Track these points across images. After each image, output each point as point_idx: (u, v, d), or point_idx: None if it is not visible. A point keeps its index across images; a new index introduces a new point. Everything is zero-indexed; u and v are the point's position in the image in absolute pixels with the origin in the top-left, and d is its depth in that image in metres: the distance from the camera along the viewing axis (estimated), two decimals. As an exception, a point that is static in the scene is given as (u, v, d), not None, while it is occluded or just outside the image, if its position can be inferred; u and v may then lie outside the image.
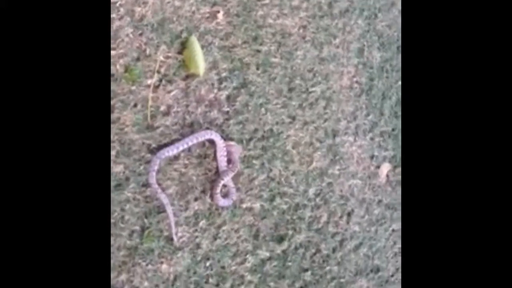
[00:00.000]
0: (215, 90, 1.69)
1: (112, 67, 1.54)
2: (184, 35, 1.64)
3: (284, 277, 1.78)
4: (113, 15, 1.53)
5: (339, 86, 1.89)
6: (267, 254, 1.76)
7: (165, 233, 1.64)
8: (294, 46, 1.82)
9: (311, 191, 1.83)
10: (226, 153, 1.69)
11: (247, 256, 1.73)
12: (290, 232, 1.79)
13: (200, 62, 1.64)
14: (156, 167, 1.60)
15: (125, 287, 1.57)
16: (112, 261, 1.54)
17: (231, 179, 1.71)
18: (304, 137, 1.82)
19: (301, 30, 1.83)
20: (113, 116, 1.55)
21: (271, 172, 1.77)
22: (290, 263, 1.79)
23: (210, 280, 1.67)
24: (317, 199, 1.84)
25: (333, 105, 1.86)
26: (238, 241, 1.73)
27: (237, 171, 1.71)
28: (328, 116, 1.86)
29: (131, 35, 1.57)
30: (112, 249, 1.54)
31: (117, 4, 1.55)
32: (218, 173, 1.70)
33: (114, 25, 1.55)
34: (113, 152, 1.56)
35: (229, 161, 1.70)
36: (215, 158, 1.70)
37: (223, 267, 1.69)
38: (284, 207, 1.79)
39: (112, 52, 1.54)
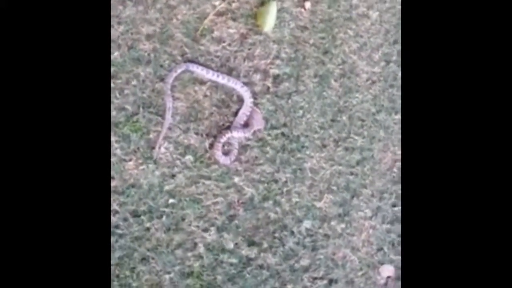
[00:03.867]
0: (268, 59, 1.88)
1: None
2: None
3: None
4: None
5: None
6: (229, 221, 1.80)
7: (150, 136, 1.71)
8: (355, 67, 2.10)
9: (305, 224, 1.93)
10: (248, 114, 1.80)
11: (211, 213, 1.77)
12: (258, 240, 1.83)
13: (269, 21, 1.86)
14: (179, 71, 1.72)
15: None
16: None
17: (237, 140, 1.80)
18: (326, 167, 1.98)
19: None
20: None
21: (278, 173, 1.87)
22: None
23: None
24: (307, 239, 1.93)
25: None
26: (210, 196, 1.77)
27: (246, 137, 1.82)
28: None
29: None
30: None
31: None
32: (229, 127, 1.79)
33: None
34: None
35: (246, 124, 1.81)
36: (235, 113, 1.81)
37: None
38: (271, 214, 1.84)
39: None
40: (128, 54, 1.68)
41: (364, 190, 1.98)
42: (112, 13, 1.67)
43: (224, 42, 1.80)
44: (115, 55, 1.65)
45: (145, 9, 1.70)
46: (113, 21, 1.65)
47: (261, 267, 1.81)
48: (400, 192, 2.02)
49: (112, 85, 1.65)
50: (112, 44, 1.65)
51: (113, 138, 1.65)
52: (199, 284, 1.73)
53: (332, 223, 1.92)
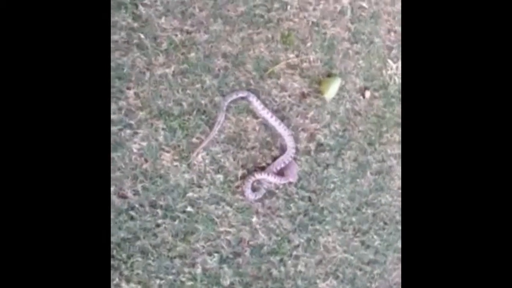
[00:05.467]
0: (318, 125, 2.29)
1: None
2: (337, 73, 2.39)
3: None
4: None
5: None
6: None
7: (193, 140, 2.05)
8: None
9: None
10: (287, 163, 2.17)
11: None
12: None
13: (331, 91, 2.31)
14: (240, 95, 2.12)
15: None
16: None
17: (268, 184, 2.14)
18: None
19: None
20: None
21: (293, 233, 2.17)
22: None
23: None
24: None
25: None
26: (225, 223, 2.06)
27: (277, 185, 2.16)
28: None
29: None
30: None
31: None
32: (264, 168, 2.14)
33: None
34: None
35: (280, 172, 2.16)
36: (274, 158, 2.17)
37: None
38: (274, 271, 2.11)
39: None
40: (203, 60, 2.10)
41: (368, 291, 2.23)
42: (203, 26, 2.12)
43: (285, 91, 2.24)
44: (192, 55, 2.07)
45: (231, 29, 2.16)
46: (201, 29, 2.09)
47: (247, 320, 2.01)
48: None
49: (178, 79, 2.05)
50: (193, 46, 2.08)
51: (160, 125, 2.00)
52: None
53: (330, 310, 2.14)
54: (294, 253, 2.18)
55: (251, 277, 2.09)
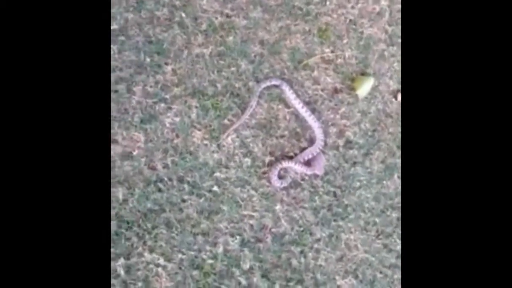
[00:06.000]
0: (348, 122, 2.30)
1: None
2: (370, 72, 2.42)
3: None
4: None
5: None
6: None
7: (225, 121, 2.12)
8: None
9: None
10: (314, 154, 2.19)
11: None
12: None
13: (364, 89, 2.34)
14: (273, 83, 2.18)
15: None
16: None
17: (295, 173, 2.16)
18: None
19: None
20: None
21: (316, 226, 2.18)
22: None
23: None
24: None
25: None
26: (249, 207, 2.09)
27: (304, 175, 2.18)
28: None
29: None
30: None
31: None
32: (292, 157, 2.17)
33: None
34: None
35: (307, 163, 2.18)
36: (302, 149, 2.20)
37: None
38: (294, 261, 2.11)
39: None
40: (240, 45, 2.16)
41: (388, 295, 2.22)
42: (243, 11, 2.19)
43: (318, 84, 2.28)
44: (230, 38, 2.13)
45: (270, 17, 2.22)
46: (240, 14, 2.16)
47: (264, 305, 2.05)
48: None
49: (215, 61, 2.11)
50: (232, 30, 2.16)
51: (194, 103, 2.05)
52: (202, 283, 1.96)
53: (346, 309, 2.14)
54: (316, 246, 2.17)
55: (271, 264, 2.09)
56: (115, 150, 2.02)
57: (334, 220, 2.22)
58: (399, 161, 2.39)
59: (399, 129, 2.41)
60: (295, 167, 2.15)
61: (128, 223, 1.98)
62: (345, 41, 2.34)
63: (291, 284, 2.09)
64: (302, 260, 2.14)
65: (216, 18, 2.14)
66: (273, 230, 2.11)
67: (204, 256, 2.00)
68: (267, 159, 2.15)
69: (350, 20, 2.36)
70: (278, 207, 2.13)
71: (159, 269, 1.98)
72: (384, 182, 2.34)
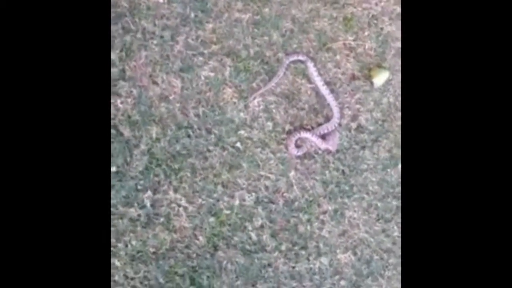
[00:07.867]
0: (362, 107, 2.52)
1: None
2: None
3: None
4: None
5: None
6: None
7: (253, 85, 2.34)
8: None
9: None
10: (330, 130, 2.39)
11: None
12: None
13: (381, 78, 2.56)
14: (300, 57, 2.41)
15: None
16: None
17: (310, 145, 2.37)
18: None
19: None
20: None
21: (324, 198, 2.39)
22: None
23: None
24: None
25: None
26: (266, 168, 2.30)
27: (319, 148, 2.38)
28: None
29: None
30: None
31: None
32: (309, 130, 2.38)
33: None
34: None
35: (323, 137, 2.38)
36: (318, 124, 2.42)
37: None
38: (300, 227, 2.32)
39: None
40: (274, 18, 2.38)
41: (382, 277, 2.41)
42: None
43: (339, 68, 2.48)
44: (266, 10, 2.36)
45: (300, -1, 2.46)
46: (275, -5, 2.43)
47: (268, 265, 2.21)
48: None
49: (250, 28, 2.35)
50: (269, 3, 2.39)
51: (228, 62, 2.28)
52: (216, 230, 2.17)
53: (342, 282, 2.32)
54: (321, 217, 2.34)
55: (280, 226, 2.27)
56: (155, 91, 2.20)
57: (341, 197, 2.40)
58: (403, 153, 2.60)
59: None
60: (312, 138, 2.34)
61: (158, 160, 2.16)
62: (366, 33, 2.55)
63: (296, 248, 2.28)
64: (308, 228, 2.31)
65: (257, -11, 2.38)
66: (285, 194, 2.30)
67: (222, 206, 2.19)
68: (287, 127, 2.34)
69: (373, 16, 2.57)
70: (292, 173, 2.31)
71: (181, 209, 2.16)
72: (388, 170, 2.52)
